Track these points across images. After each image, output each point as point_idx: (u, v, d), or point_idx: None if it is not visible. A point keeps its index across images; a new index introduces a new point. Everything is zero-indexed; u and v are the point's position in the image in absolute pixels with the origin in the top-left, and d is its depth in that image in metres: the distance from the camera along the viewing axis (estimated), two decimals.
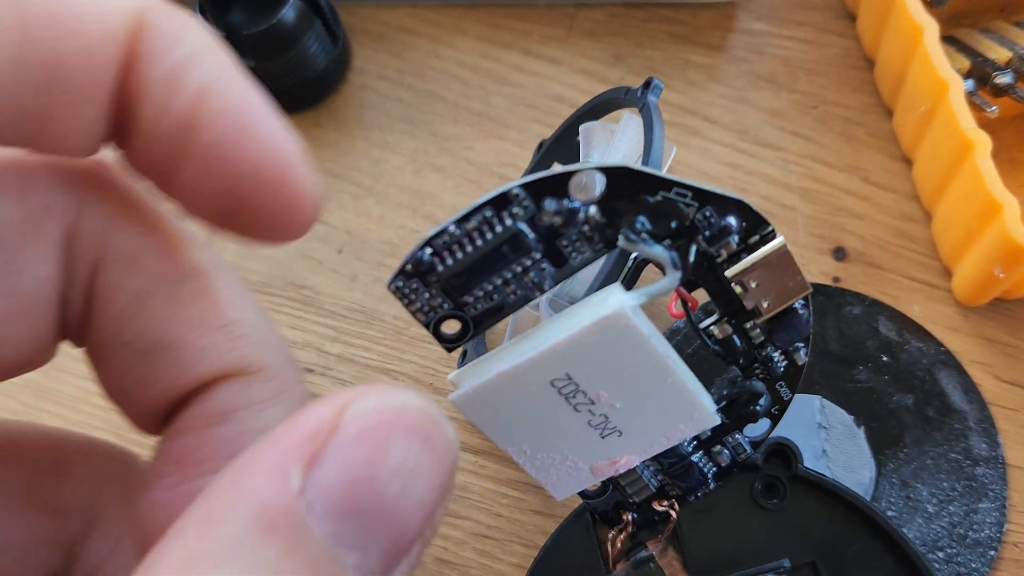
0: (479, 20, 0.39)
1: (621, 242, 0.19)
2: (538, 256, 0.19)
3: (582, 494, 0.25)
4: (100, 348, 0.18)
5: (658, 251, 0.19)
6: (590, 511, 0.26)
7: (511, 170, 0.36)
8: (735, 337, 0.22)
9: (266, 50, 0.35)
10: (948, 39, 0.34)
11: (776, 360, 0.22)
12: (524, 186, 0.19)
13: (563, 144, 0.33)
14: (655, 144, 0.27)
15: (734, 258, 0.20)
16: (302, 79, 0.36)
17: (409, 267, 0.19)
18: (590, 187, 0.19)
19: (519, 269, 0.19)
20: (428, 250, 0.19)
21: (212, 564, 0.13)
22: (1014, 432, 0.30)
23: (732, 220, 0.20)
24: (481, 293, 0.20)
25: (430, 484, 0.15)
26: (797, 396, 0.23)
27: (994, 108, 0.30)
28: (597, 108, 0.32)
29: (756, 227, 0.20)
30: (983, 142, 0.28)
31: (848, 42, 0.36)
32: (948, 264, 0.32)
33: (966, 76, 0.32)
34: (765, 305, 0.21)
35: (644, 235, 0.19)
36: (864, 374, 0.30)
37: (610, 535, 0.26)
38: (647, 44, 0.37)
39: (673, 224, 0.19)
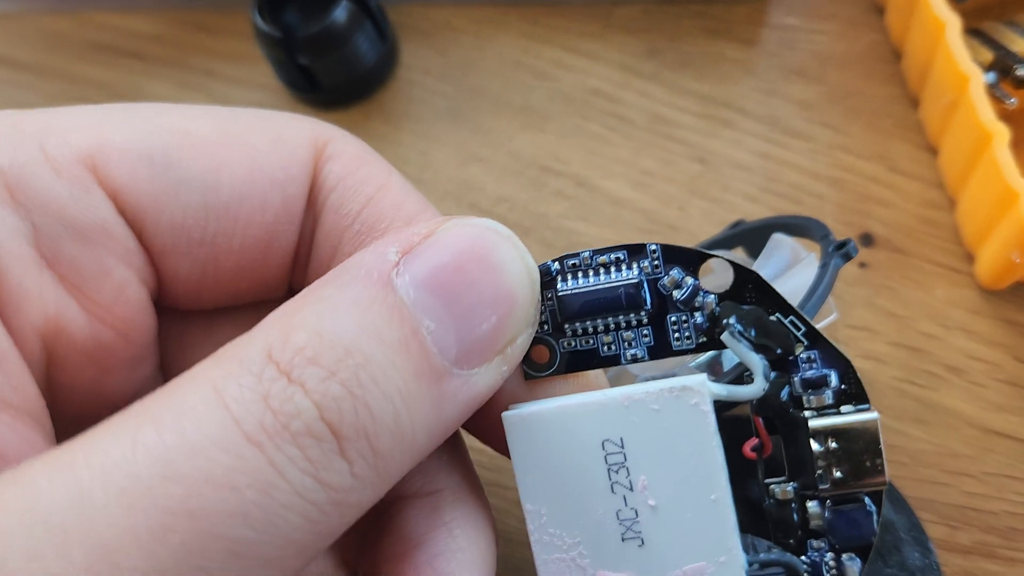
0: (520, 17, 0.40)
1: (725, 336, 0.20)
2: (644, 318, 0.20)
3: None
4: None
5: (754, 357, 0.20)
6: None
7: (552, 161, 0.37)
8: (793, 507, 0.21)
9: (320, 49, 0.37)
10: (974, 31, 0.35)
11: (827, 562, 0.21)
12: (663, 247, 0.20)
13: (758, 236, 0.32)
14: (814, 298, 0.28)
15: (821, 413, 0.20)
16: (353, 75, 0.39)
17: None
18: (718, 273, 0.20)
19: (623, 322, 0.20)
20: (556, 265, 0.21)
21: (317, 299, 0.18)
22: None
23: (833, 375, 0.20)
24: (581, 331, 0.21)
25: (499, 294, 0.19)
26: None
27: (1013, 100, 0.31)
28: (795, 227, 0.31)
29: (854, 395, 0.20)
30: (1001, 133, 0.29)
31: (877, 35, 0.38)
32: (971, 249, 0.33)
33: (989, 68, 0.33)
34: (836, 475, 0.20)
35: (747, 338, 0.20)
36: None
37: None
38: (681, 39, 0.39)
39: (777, 349, 0.20)
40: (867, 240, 0.34)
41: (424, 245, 0.18)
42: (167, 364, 0.23)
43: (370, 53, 0.38)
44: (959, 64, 0.31)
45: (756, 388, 0.20)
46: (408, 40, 0.41)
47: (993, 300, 0.33)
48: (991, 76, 0.32)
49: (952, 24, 0.32)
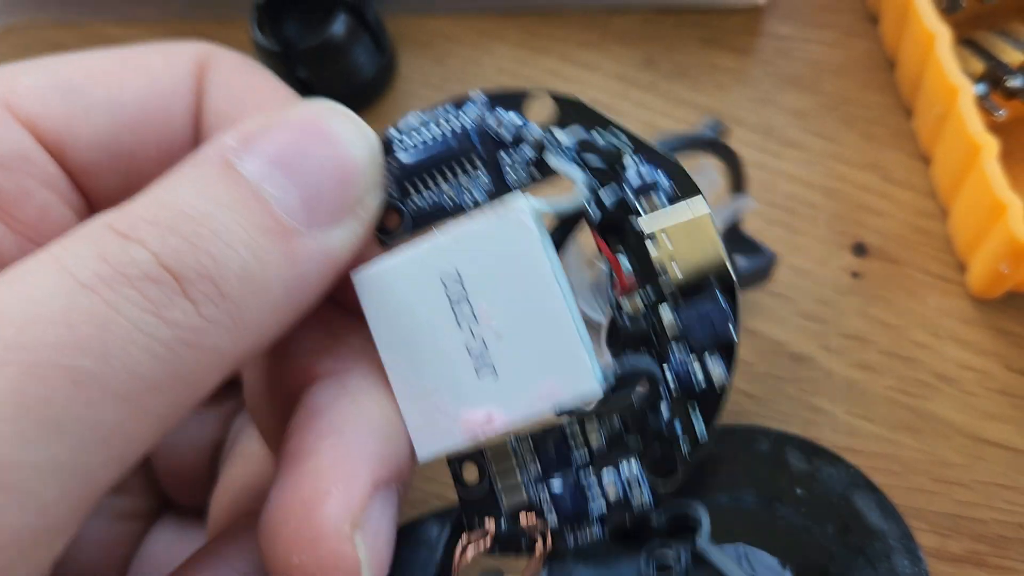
0: (518, 28, 0.41)
1: (547, 158, 0.21)
2: (478, 162, 0.21)
3: (456, 480, 0.23)
4: None
5: (573, 169, 0.20)
6: (459, 508, 0.23)
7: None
8: (647, 316, 0.21)
9: (319, 62, 0.38)
10: (967, 42, 0.35)
11: (689, 369, 0.20)
12: (485, 92, 0.21)
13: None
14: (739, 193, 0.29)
15: (656, 215, 0.20)
16: (352, 87, 0.39)
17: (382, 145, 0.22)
18: (541, 109, 0.21)
19: (459, 170, 0.21)
20: (393, 131, 0.22)
21: (161, 184, 0.19)
22: None
23: (662, 177, 0.20)
24: (423, 186, 0.22)
25: (337, 157, 0.20)
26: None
27: (1002, 111, 0.32)
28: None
29: (687, 192, 0.20)
30: (990, 145, 0.30)
31: (871, 44, 0.38)
32: (963, 259, 0.33)
33: (980, 79, 0.33)
34: (677, 271, 0.20)
35: (570, 155, 0.21)
36: (782, 511, 0.29)
37: (462, 539, 0.22)
38: (677, 48, 0.39)
39: (606, 165, 0.20)
40: (860, 250, 0.34)
41: (260, 130, 0.20)
42: None
43: (368, 65, 0.39)
44: (948, 76, 0.31)
45: (577, 196, 0.20)
46: (406, 51, 0.41)
47: (985, 309, 0.33)
48: (981, 87, 0.32)
49: (942, 36, 0.32)
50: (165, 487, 0.29)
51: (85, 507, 0.17)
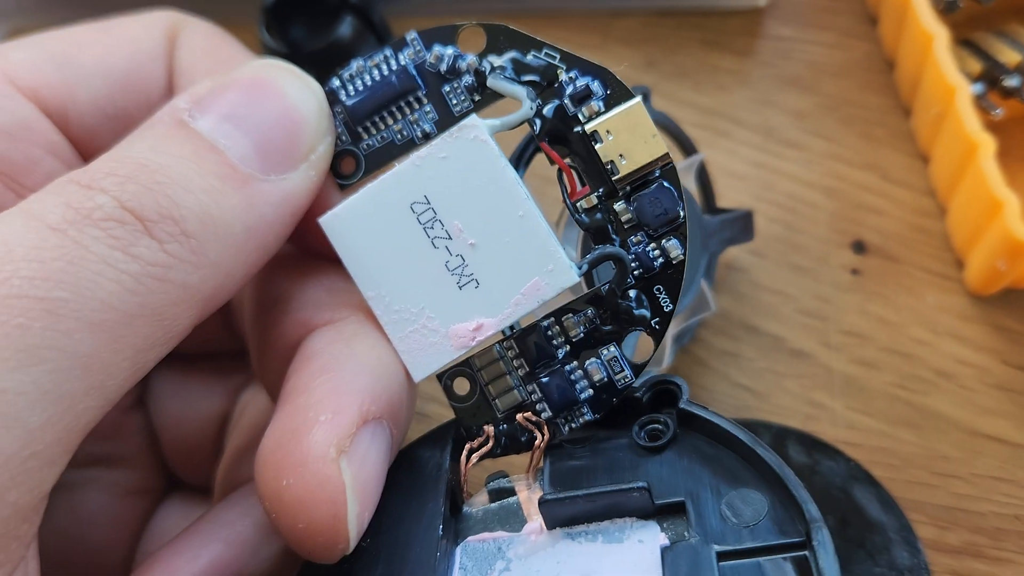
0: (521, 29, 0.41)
1: (489, 81, 0.22)
2: (423, 97, 0.23)
3: (449, 395, 0.24)
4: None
5: (516, 87, 0.22)
6: (456, 421, 0.24)
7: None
8: (603, 212, 0.22)
9: (325, 64, 0.38)
10: (965, 42, 0.36)
11: (650, 252, 0.22)
12: (419, 32, 0.23)
13: None
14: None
15: (595, 118, 0.22)
16: None
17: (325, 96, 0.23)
18: (473, 38, 0.23)
19: (405, 107, 0.23)
20: (336, 81, 0.24)
21: (120, 146, 0.20)
22: (1020, 413, 0.32)
23: (596, 84, 0.22)
24: (373, 128, 0.23)
25: (285, 108, 0.22)
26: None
27: (999, 111, 0.32)
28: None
29: (621, 96, 0.22)
30: (987, 144, 0.30)
31: (870, 46, 0.38)
32: (961, 256, 0.34)
33: (978, 79, 0.34)
34: (622, 161, 0.22)
35: (509, 75, 0.22)
36: None
37: (466, 449, 0.23)
38: (678, 50, 0.40)
39: (543, 82, 0.22)
40: (860, 248, 0.35)
41: (211, 91, 0.21)
42: None
43: None
44: (946, 76, 0.32)
45: (524, 110, 0.22)
46: None
47: (982, 306, 0.33)
48: (979, 87, 0.33)
49: (940, 37, 0.32)
50: (172, 464, 0.30)
51: (71, 437, 0.17)
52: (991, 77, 0.33)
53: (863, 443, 0.32)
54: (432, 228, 0.22)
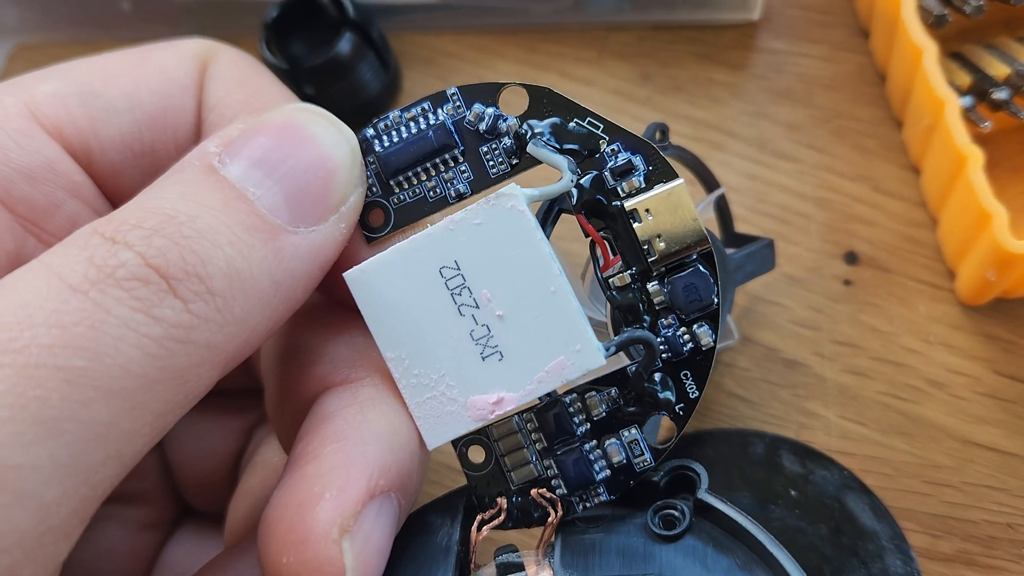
0: (518, 44, 0.42)
1: (529, 147, 0.22)
2: (459, 156, 0.22)
3: (463, 462, 0.23)
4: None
5: (557, 157, 0.21)
6: (468, 490, 0.24)
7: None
8: (635, 291, 0.22)
9: (325, 79, 0.39)
10: (954, 55, 0.36)
11: (680, 337, 0.22)
12: (460, 88, 0.22)
13: None
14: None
15: (636, 194, 0.21)
16: (358, 103, 0.40)
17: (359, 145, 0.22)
18: (515, 99, 0.22)
19: (441, 164, 0.22)
20: (371, 131, 0.23)
21: (147, 192, 0.20)
22: (1011, 422, 0.32)
23: (639, 160, 0.21)
24: (406, 182, 0.22)
25: (318, 157, 0.21)
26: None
27: (988, 123, 0.33)
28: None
29: (663, 174, 0.21)
30: (976, 156, 0.31)
31: (862, 58, 0.39)
32: (951, 267, 0.34)
33: (967, 92, 0.34)
34: (660, 245, 0.21)
35: (549, 141, 0.22)
36: (777, 512, 0.30)
37: (477, 520, 0.23)
38: (673, 64, 0.40)
39: (584, 151, 0.22)
40: (852, 258, 0.35)
41: (242, 134, 0.21)
42: None
43: (374, 82, 0.40)
44: (936, 89, 0.32)
45: (564, 182, 0.21)
46: (410, 67, 0.42)
47: (974, 316, 0.34)
48: (968, 100, 0.33)
49: (929, 50, 0.33)
50: (186, 494, 0.30)
51: (87, 507, 0.17)
52: (980, 90, 0.34)
53: (856, 452, 0.32)
54: (460, 295, 0.21)
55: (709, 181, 0.32)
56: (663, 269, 0.22)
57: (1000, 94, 0.33)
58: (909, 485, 0.32)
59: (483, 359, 0.21)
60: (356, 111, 0.40)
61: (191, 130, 0.24)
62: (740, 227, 0.36)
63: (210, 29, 0.44)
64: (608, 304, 0.23)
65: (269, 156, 0.20)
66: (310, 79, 0.39)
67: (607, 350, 0.21)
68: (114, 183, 0.24)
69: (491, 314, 0.21)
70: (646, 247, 0.21)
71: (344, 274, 0.22)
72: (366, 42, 0.39)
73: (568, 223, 0.23)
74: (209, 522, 0.30)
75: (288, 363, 0.23)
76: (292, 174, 0.20)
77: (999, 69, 0.34)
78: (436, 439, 0.22)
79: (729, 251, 0.31)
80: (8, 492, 0.15)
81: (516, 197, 0.20)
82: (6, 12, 0.45)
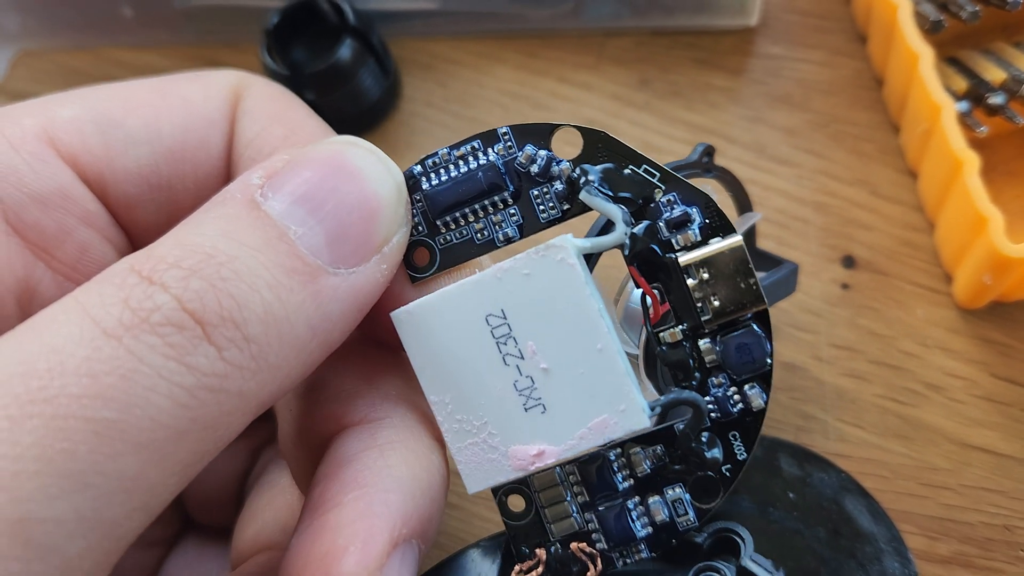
0: (517, 50, 0.42)
1: (582, 194, 0.21)
2: (508, 198, 0.21)
3: (503, 510, 0.23)
4: None
5: (611, 207, 0.21)
6: (507, 538, 0.23)
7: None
8: (686, 347, 0.21)
9: (326, 85, 0.39)
10: (951, 60, 0.36)
11: (730, 396, 0.21)
12: (512, 128, 0.21)
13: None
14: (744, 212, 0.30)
15: (691, 249, 0.21)
16: (358, 109, 0.40)
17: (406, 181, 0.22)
18: (571, 143, 0.21)
19: (489, 206, 0.21)
20: (419, 168, 0.22)
21: (187, 224, 0.19)
22: (1008, 424, 0.32)
23: (695, 212, 0.20)
24: (452, 223, 0.22)
25: (363, 195, 0.20)
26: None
27: (983, 128, 0.33)
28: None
29: (720, 227, 0.21)
30: (971, 161, 0.31)
31: (859, 63, 0.39)
32: (948, 271, 0.34)
33: (963, 96, 0.34)
34: (715, 304, 0.21)
35: (604, 193, 0.21)
36: (775, 515, 0.30)
37: (516, 570, 0.23)
38: (671, 69, 0.40)
39: (637, 198, 0.21)
40: (849, 262, 0.35)
41: (286, 167, 0.20)
42: None
43: (374, 88, 0.40)
44: (932, 95, 0.32)
45: (618, 234, 0.21)
46: (410, 73, 0.43)
47: (970, 319, 0.34)
48: (964, 105, 0.34)
49: (925, 56, 0.33)
50: (190, 510, 0.30)
51: (110, 559, 0.17)
52: (976, 95, 0.34)
53: (854, 455, 0.33)
54: (505, 344, 0.21)
55: (744, 205, 0.32)
56: (716, 327, 0.21)
57: (996, 99, 0.33)
58: (907, 488, 0.32)
59: (526, 410, 0.21)
60: (357, 117, 0.41)
61: (216, 166, 0.24)
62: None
63: (211, 35, 0.44)
64: (643, 334, 0.22)
65: (313, 192, 0.20)
66: (311, 85, 0.39)
67: (652, 411, 0.21)
68: (128, 215, 0.23)
69: (536, 366, 0.21)
70: (700, 305, 0.21)
71: (391, 313, 0.22)
72: (366, 48, 0.39)
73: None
74: (210, 534, 0.30)
75: (306, 398, 0.23)
76: (336, 213, 0.20)
77: (995, 74, 0.34)
78: (478, 484, 0.22)
79: (760, 275, 0.31)
80: (31, 547, 0.15)
81: (567, 250, 0.20)
82: (8, 18, 0.46)
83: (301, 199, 0.19)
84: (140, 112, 0.23)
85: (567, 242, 0.20)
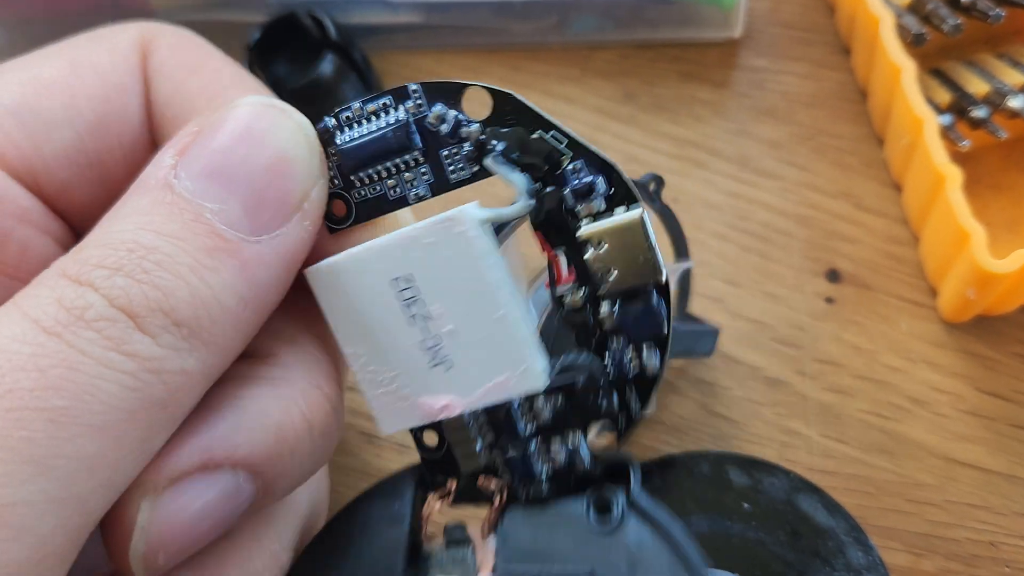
0: (501, 63, 0.42)
1: (487, 161, 0.21)
2: (420, 157, 0.21)
3: (418, 444, 0.24)
4: None
5: (516, 177, 0.21)
6: (423, 461, 0.25)
7: None
8: (587, 312, 0.22)
9: (308, 101, 0.39)
10: (935, 72, 0.36)
11: (627, 360, 0.22)
12: (423, 85, 0.21)
13: None
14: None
15: (595, 218, 0.21)
16: None
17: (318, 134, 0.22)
18: (478, 102, 0.21)
19: (401, 164, 0.21)
20: (332, 121, 0.22)
21: (103, 222, 0.19)
22: (993, 439, 0.32)
23: (601, 181, 0.20)
24: (366, 179, 0.22)
25: (272, 158, 0.20)
26: None
27: (966, 142, 0.33)
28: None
29: (624, 198, 0.20)
30: (954, 176, 0.31)
31: (843, 75, 0.39)
32: (933, 284, 0.34)
33: (947, 109, 0.34)
34: (612, 276, 0.21)
35: (510, 160, 0.21)
36: (734, 529, 0.30)
37: (430, 497, 0.24)
38: (656, 82, 0.40)
39: (544, 166, 0.21)
40: (834, 276, 0.35)
41: (196, 141, 0.20)
42: None
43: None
44: (914, 108, 0.32)
45: (520, 206, 0.21)
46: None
47: (955, 333, 0.34)
48: (947, 118, 0.33)
49: (908, 69, 0.33)
50: None
51: (82, 533, 0.18)
52: (960, 108, 0.34)
53: (838, 470, 0.32)
54: (412, 306, 0.21)
55: (680, 248, 0.31)
56: (615, 296, 0.21)
57: (979, 112, 0.33)
58: (891, 504, 0.32)
59: (433, 366, 0.22)
60: None
61: (139, 131, 0.24)
62: (720, 246, 0.36)
63: None
64: (544, 313, 0.23)
65: (223, 164, 0.20)
66: (293, 100, 0.38)
67: (549, 374, 0.21)
68: (64, 199, 0.23)
69: (441, 328, 0.21)
70: (598, 276, 0.21)
71: (305, 270, 0.22)
72: (348, 63, 0.39)
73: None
74: None
75: None
76: (249, 181, 0.20)
77: (979, 86, 0.34)
78: (390, 427, 0.23)
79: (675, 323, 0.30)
80: (6, 528, 0.16)
81: (465, 223, 0.20)
82: None
83: (213, 174, 0.20)
84: (54, 93, 0.23)
85: (467, 215, 0.20)
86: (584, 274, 0.21)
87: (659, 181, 0.28)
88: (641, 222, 0.20)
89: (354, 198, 0.22)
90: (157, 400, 0.18)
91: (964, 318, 0.33)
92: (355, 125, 0.22)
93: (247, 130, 0.20)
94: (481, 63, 0.42)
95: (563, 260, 0.22)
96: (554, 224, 0.21)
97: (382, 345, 0.22)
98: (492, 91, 0.21)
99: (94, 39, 0.24)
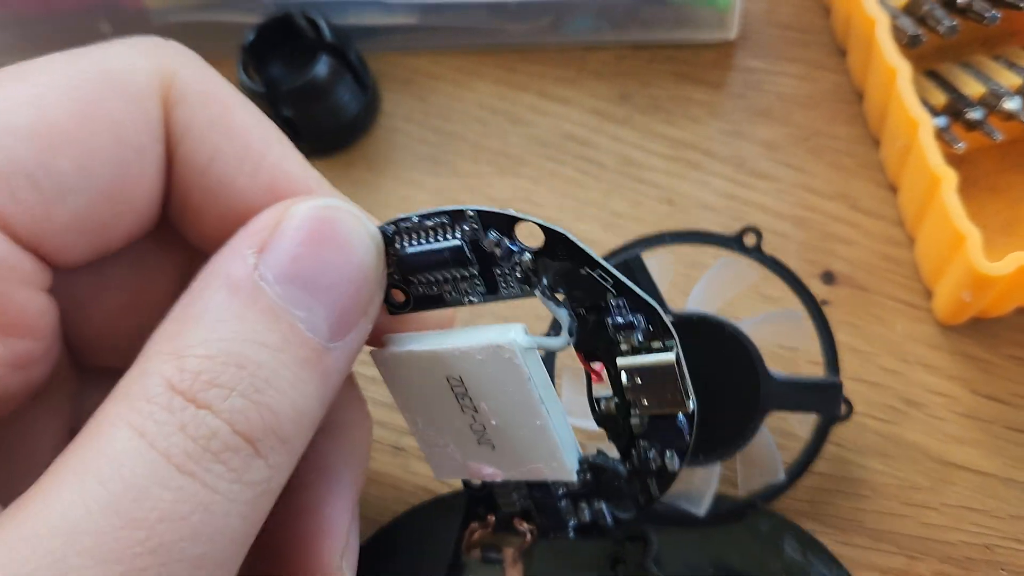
0: (497, 64, 0.42)
1: (535, 293, 0.23)
2: (474, 272, 0.23)
3: (465, 483, 0.27)
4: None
5: (561, 313, 0.23)
6: (468, 496, 0.27)
7: (527, 204, 0.39)
8: (619, 419, 0.24)
9: (303, 102, 0.39)
10: (931, 73, 0.36)
11: (651, 457, 0.24)
12: (478, 212, 0.22)
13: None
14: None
15: (633, 351, 0.23)
16: (336, 125, 0.40)
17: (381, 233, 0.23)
18: (530, 233, 0.22)
19: (456, 276, 0.23)
20: (392, 227, 0.23)
21: (194, 319, 0.19)
22: (989, 442, 0.32)
23: (640, 320, 0.22)
24: (424, 281, 0.23)
25: (352, 266, 0.21)
26: None
27: (961, 144, 0.33)
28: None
29: (661, 334, 0.22)
30: (949, 178, 0.31)
31: (839, 77, 0.39)
32: (929, 286, 0.34)
33: (942, 111, 0.34)
34: (644, 403, 0.23)
35: (556, 296, 0.22)
36: None
37: (471, 525, 0.27)
38: (652, 83, 0.40)
39: (588, 300, 0.22)
40: (829, 278, 0.35)
41: (275, 237, 0.20)
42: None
43: (352, 104, 0.40)
44: (909, 110, 0.32)
45: (562, 341, 0.23)
46: (389, 88, 0.42)
47: (951, 335, 0.34)
48: (942, 120, 0.33)
49: (903, 71, 0.33)
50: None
51: None
52: (955, 110, 0.34)
53: (833, 473, 0.32)
54: (463, 399, 0.23)
55: (831, 360, 0.31)
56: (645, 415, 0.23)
57: (974, 114, 0.33)
58: (887, 507, 0.32)
59: (479, 443, 0.24)
60: (335, 133, 0.40)
61: (152, 196, 0.23)
62: (716, 248, 0.36)
63: None
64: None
65: (308, 270, 0.20)
66: (288, 102, 0.38)
67: (579, 469, 0.24)
68: (62, 257, 0.22)
69: (487, 420, 0.23)
70: (631, 399, 0.23)
71: (370, 351, 0.24)
72: (343, 64, 0.39)
73: None
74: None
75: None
76: (333, 290, 0.20)
77: (974, 88, 0.34)
78: (442, 475, 0.26)
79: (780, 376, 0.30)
80: None
81: (513, 351, 0.22)
82: None
83: (297, 278, 0.20)
84: (70, 152, 0.21)
85: (515, 343, 0.22)
86: (619, 392, 0.23)
87: (758, 234, 0.30)
88: (673, 366, 0.22)
89: (413, 292, 0.24)
90: (260, 519, 0.19)
91: (960, 320, 0.33)
92: (412, 236, 0.23)
93: (331, 236, 0.21)
94: (477, 64, 0.42)
95: (601, 370, 0.23)
96: (594, 345, 0.23)
97: (436, 419, 0.24)
98: (545, 229, 0.22)
99: (107, 77, 0.22)
